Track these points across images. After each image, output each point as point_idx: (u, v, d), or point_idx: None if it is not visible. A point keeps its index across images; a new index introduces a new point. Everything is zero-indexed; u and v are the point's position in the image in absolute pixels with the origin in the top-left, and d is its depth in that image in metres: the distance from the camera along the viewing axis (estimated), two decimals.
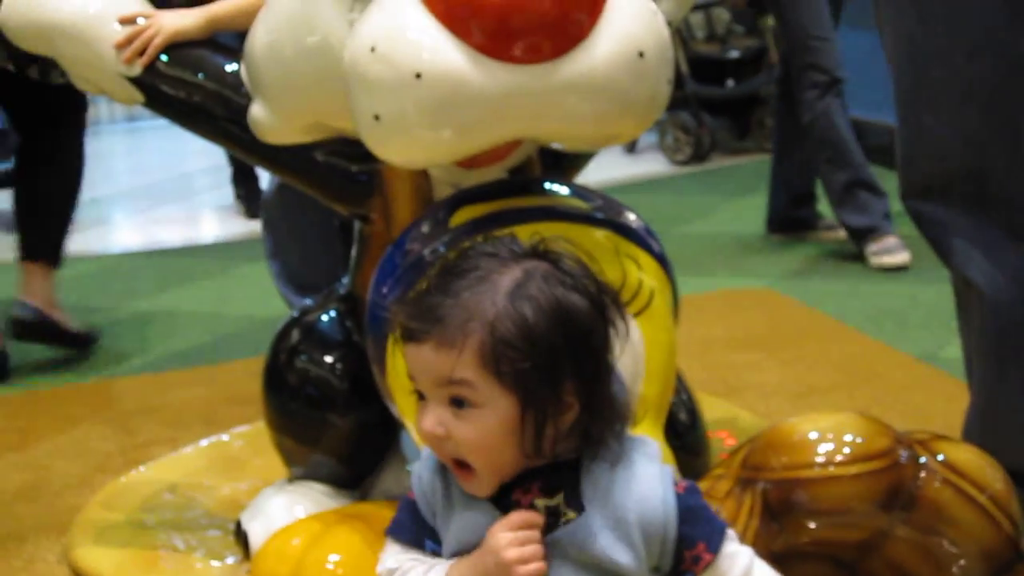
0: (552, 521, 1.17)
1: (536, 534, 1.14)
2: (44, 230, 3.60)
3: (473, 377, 1.12)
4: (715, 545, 1.18)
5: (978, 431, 2.06)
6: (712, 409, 2.62)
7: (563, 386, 1.14)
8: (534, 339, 1.12)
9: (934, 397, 2.96)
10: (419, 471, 1.23)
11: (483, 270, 1.15)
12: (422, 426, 1.15)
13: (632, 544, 1.15)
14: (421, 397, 1.16)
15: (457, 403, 1.14)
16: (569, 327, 1.14)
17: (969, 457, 1.42)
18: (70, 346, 3.65)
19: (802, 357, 3.39)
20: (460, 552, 1.19)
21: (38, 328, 3.53)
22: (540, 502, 1.17)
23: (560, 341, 1.13)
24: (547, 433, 1.15)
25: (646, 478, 1.18)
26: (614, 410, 1.18)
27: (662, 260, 1.79)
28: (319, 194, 2.08)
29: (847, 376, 3.20)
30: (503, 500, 1.18)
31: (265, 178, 5.18)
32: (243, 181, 5.48)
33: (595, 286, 1.18)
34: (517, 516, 1.15)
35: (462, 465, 1.16)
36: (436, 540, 1.21)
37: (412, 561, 1.21)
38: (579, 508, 1.17)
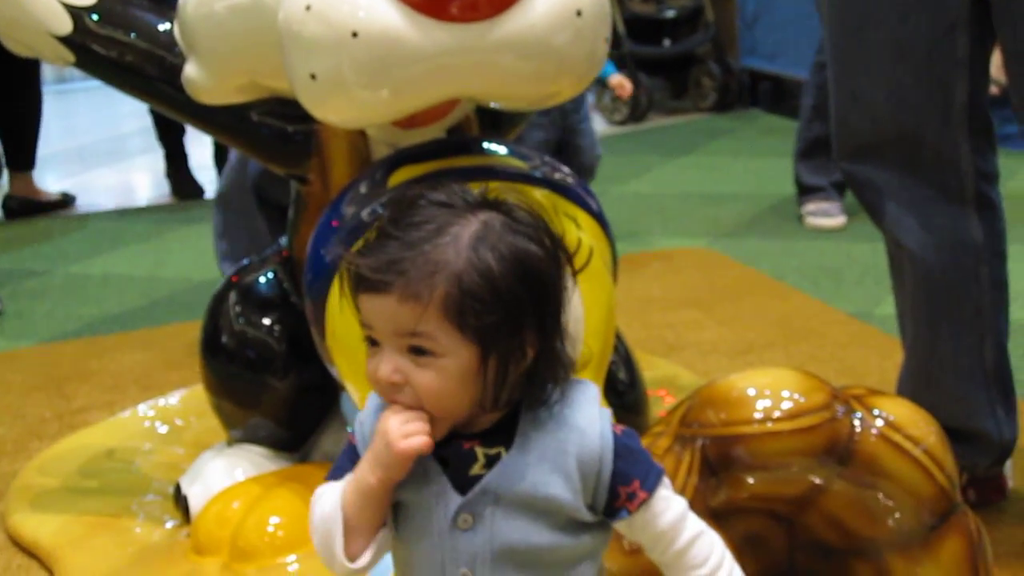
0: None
1: (423, 415, 1.15)
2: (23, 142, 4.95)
3: (436, 329, 1.12)
4: (651, 484, 1.19)
5: (911, 388, 2.09)
6: (651, 368, 2.64)
7: (523, 336, 1.15)
8: (499, 291, 1.13)
9: (869, 353, 3.00)
10: (362, 417, 1.22)
11: (439, 221, 1.14)
12: (378, 373, 1.14)
13: (567, 476, 1.16)
14: (373, 343, 1.16)
15: (417, 351, 1.14)
16: (531, 277, 1.15)
17: (904, 411, 1.43)
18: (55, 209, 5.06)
19: (740, 315, 3.42)
20: (398, 492, 1.19)
21: (27, 207, 5.04)
22: (480, 450, 1.18)
23: (523, 292, 1.14)
24: (505, 382, 1.15)
25: (584, 414, 1.18)
26: (561, 360, 1.18)
27: (600, 219, 1.80)
28: (255, 154, 2.07)
29: (784, 333, 3.23)
30: (442, 446, 1.18)
31: (197, 160, 5.25)
32: (173, 161, 5.35)
33: (549, 235, 1.18)
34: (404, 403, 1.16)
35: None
36: None
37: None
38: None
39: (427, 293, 1.12)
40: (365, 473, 1.17)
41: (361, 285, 1.15)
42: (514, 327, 1.14)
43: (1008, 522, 2.13)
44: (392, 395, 1.15)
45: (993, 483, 2.23)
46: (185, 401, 2.72)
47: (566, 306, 1.19)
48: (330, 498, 1.19)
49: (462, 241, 1.13)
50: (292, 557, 1.91)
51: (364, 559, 1.18)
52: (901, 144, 2.01)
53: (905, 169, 2.03)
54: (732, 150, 5.68)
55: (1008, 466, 2.26)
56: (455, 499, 1.17)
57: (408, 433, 1.14)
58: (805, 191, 4.30)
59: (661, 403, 2.50)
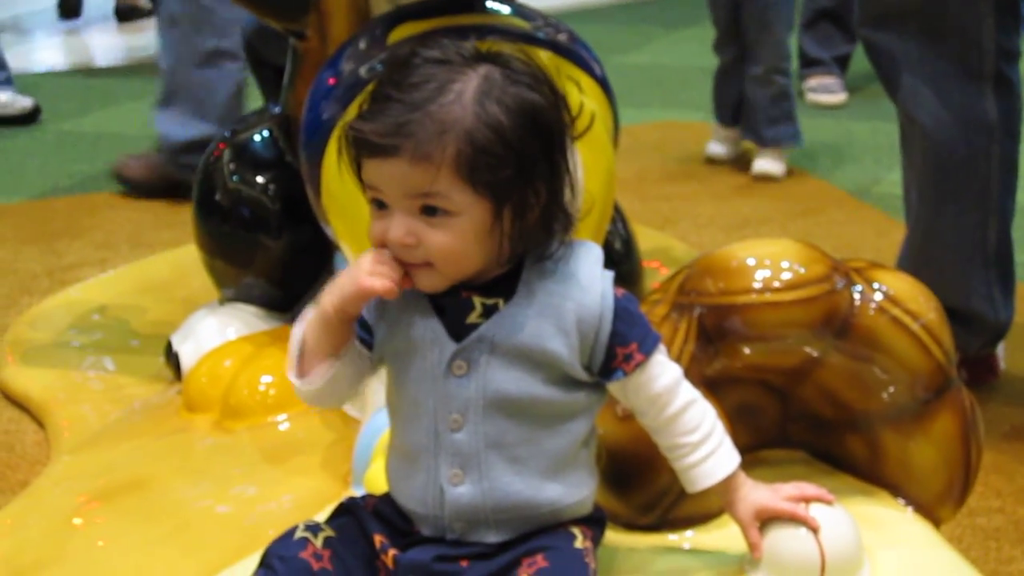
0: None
1: (396, 264, 1.15)
2: None
3: (450, 187, 1.11)
4: (648, 348, 1.19)
5: (910, 265, 2.09)
6: (647, 240, 2.63)
7: (533, 187, 1.14)
8: (511, 144, 1.12)
9: (866, 231, 2.99)
10: None
11: (439, 79, 1.12)
12: (389, 235, 1.13)
13: (565, 331, 1.16)
14: (381, 206, 1.15)
15: (429, 211, 1.13)
16: (539, 126, 1.14)
17: (904, 285, 1.41)
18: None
19: (736, 190, 3.40)
20: (387, 343, 1.21)
21: None
22: (478, 299, 1.17)
23: (533, 142, 1.13)
24: (516, 236, 1.15)
25: (587, 273, 1.18)
26: (566, 211, 1.17)
27: (603, 83, 1.77)
28: (251, 7, 2.02)
29: (781, 209, 3.21)
30: (440, 294, 1.18)
31: None
32: None
33: (549, 84, 1.16)
34: (385, 251, 1.15)
35: (419, 264, 1.15)
36: (368, 331, 1.22)
37: None
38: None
39: (439, 153, 1.10)
40: (324, 298, 1.18)
41: (366, 150, 1.13)
42: (526, 179, 1.13)
43: (1000, 401, 2.14)
44: (404, 256, 1.14)
45: (986, 363, 2.23)
46: (177, 259, 2.71)
47: (571, 154, 1.17)
48: (300, 319, 1.22)
49: (466, 97, 1.11)
50: (283, 416, 1.92)
51: (312, 380, 1.21)
52: (925, 14, 1.97)
53: (926, 40, 1.99)
54: None
55: (1001, 347, 2.26)
56: (450, 345, 1.17)
57: (377, 273, 1.14)
58: (807, 64, 4.26)
59: (656, 275, 2.49)
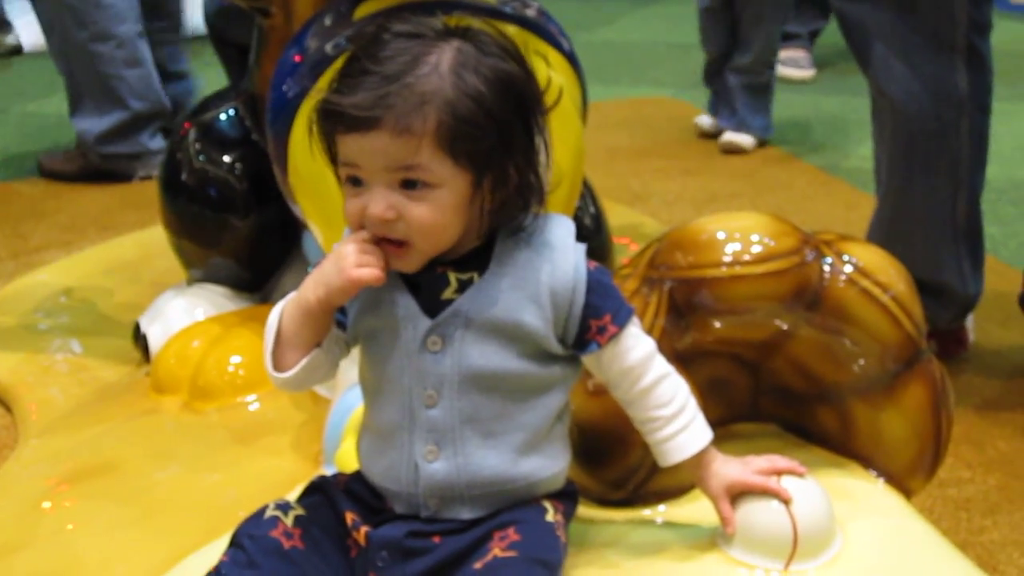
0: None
1: (379, 250, 1.14)
2: None
3: (431, 159, 1.10)
4: (621, 319, 1.19)
5: (880, 238, 2.09)
6: (617, 216, 2.63)
7: (512, 157, 1.13)
8: (492, 113, 1.11)
9: (835, 205, 2.99)
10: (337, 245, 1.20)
11: (412, 52, 1.11)
12: (370, 211, 1.12)
13: (539, 304, 1.16)
14: (357, 183, 1.13)
15: (409, 185, 1.12)
16: (516, 95, 1.13)
17: (874, 257, 1.41)
18: None
19: (705, 166, 3.40)
20: (361, 322, 1.20)
21: None
22: (453, 274, 1.17)
23: (511, 111, 1.13)
24: (494, 207, 1.14)
25: (560, 246, 1.18)
26: (540, 182, 1.17)
27: (572, 58, 1.76)
28: None
29: (750, 184, 3.22)
30: (414, 273, 1.17)
31: None
32: None
33: (519, 56, 1.15)
34: (364, 232, 1.14)
35: (394, 243, 1.14)
36: (343, 312, 1.21)
37: None
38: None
39: (420, 124, 1.09)
40: (307, 291, 1.16)
41: (342, 124, 1.12)
42: (505, 149, 1.12)
43: (969, 372, 2.15)
44: (383, 231, 1.13)
45: (955, 335, 2.24)
46: (143, 241, 2.69)
47: (544, 124, 1.17)
48: (276, 308, 1.20)
49: (443, 68, 1.11)
50: (252, 396, 1.91)
51: (291, 372, 1.19)
52: None
53: (898, 12, 1.99)
54: None
55: (970, 319, 2.27)
56: (425, 322, 1.16)
57: (363, 263, 1.13)
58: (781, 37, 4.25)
59: (626, 251, 2.49)
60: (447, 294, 1.17)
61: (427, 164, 1.10)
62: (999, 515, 1.79)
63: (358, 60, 1.13)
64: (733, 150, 3.46)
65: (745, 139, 3.47)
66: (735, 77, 3.52)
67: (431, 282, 1.17)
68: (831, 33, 2.77)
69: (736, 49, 3.54)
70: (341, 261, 1.14)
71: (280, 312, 1.19)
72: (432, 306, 1.17)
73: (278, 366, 1.19)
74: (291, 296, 1.19)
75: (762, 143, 3.55)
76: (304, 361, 1.18)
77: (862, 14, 2.03)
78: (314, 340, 1.19)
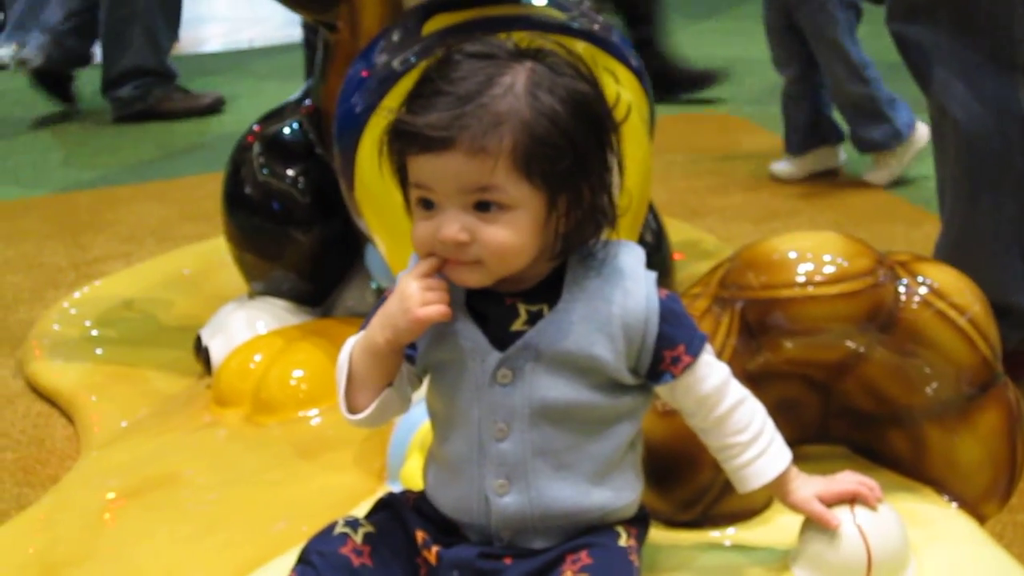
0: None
1: (444, 283, 1.13)
2: None
3: (506, 180, 1.09)
4: (695, 348, 1.17)
5: (948, 259, 2.06)
6: (675, 232, 2.61)
7: (587, 179, 1.12)
8: (568, 134, 1.10)
9: (897, 224, 2.96)
10: (403, 275, 1.19)
11: (486, 72, 1.10)
12: (443, 234, 1.10)
13: (611, 336, 1.14)
14: (428, 207, 1.12)
15: (483, 207, 1.10)
16: (591, 117, 1.12)
17: (949, 279, 1.39)
18: None
19: (764, 182, 3.38)
20: (429, 354, 1.18)
21: None
22: (522, 306, 1.15)
23: (587, 132, 1.11)
24: (567, 230, 1.13)
25: (631, 275, 1.16)
26: (614, 208, 1.16)
27: (640, 74, 1.75)
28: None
29: (810, 201, 3.19)
30: (482, 303, 1.16)
31: None
32: None
33: (591, 75, 1.14)
34: (426, 263, 1.13)
35: (465, 262, 1.13)
36: (412, 346, 1.20)
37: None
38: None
39: (495, 145, 1.08)
40: (375, 332, 1.15)
41: (416, 144, 1.10)
42: (580, 170, 1.11)
43: None
44: (456, 255, 1.11)
45: (1021, 358, 2.20)
46: (203, 253, 2.70)
47: (617, 144, 1.16)
48: (345, 348, 1.19)
49: (518, 89, 1.10)
50: (314, 411, 1.90)
51: (365, 413, 1.18)
52: (955, 5, 1.95)
53: (956, 32, 1.97)
54: (756, 15, 5.54)
55: None
56: (494, 355, 1.15)
57: (428, 301, 1.12)
58: None
59: (684, 267, 2.47)
60: (516, 326, 1.15)
61: (502, 185, 1.09)
62: None
63: (431, 81, 1.11)
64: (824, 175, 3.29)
65: (882, 175, 3.28)
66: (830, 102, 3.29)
67: (500, 314, 1.16)
68: (888, 50, 2.75)
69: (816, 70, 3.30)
70: (406, 301, 1.12)
71: (349, 353, 1.18)
72: (501, 338, 1.15)
73: (351, 408, 1.19)
74: (359, 336, 1.18)
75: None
76: (377, 401, 1.18)
77: (919, 35, 2.02)
78: (386, 380, 1.18)
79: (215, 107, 4.38)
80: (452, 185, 1.10)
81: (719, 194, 3.29)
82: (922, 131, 3.16)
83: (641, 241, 2.16)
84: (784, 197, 3.23)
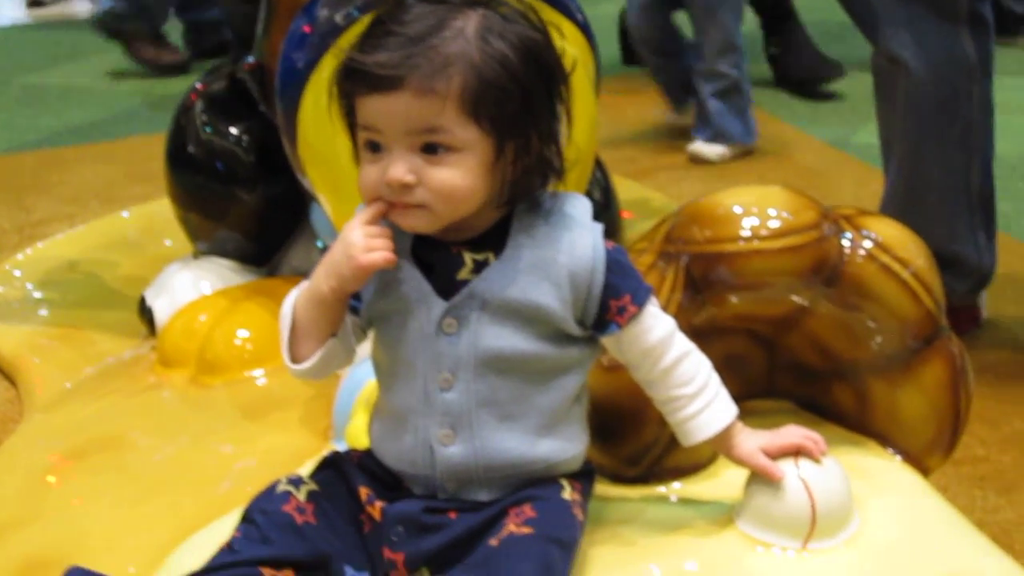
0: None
1: (388, 231, 1.12)
2: None
3: (454, 122, 1.09)
4: (641, 299, 1.17)
5: (894, 210, 2.07)
6: (624, 190, 2.61)
7: (534, 125, 1.12)
8: (517, 79, 1.10)
9: (844, 180, 2.98)
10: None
11: (437, 16, 1.10)
12: (389, 175, 1.10)
13: (558, 285, 1.14)
14: (376, 149, 1.11)
15: (430, 149, 1.09)
16: (540, 64, 1.12)
17: (893, 232, 1.39)
18: None
19: None
20: (374, 305, 1.18)
21: None
22: (468, 255, 1.15)
23: (536, 79, 1.11)
24: (514, 176, 1.12)
25: (578, 224, 1.16)
26: (561, 158, 1.15)
27: (586, 30, 1.74)
28: None
29: (759, 159, 3.19)
30: (427, 251, 1.15)
31: None
32: None
33: (542, 25, 1.14)
34: (371, 209, 1.12)
35: (411, 205, 1.12)
36: (357, 297, 1.19)
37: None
38: None
39: (444, 86, 1.08)
40: (319, 281, 1.14)
41: (365, 84, 1.09)
42: (529, 116, 1.11)
43: (983, 350, 2.13)
44: (402, 197, 1.10)
45: (968, 312, 2.22)
46: (148, 214, 2.67)
47: (566, 95, 1.16)
48: (289, 299, 1.18)
49: (468, 33, 1.09)
50: (260, 371, 1.89)
51: (308, 363, 1.17)
52: None
53: None
54: None
55: (983, 297, 2.25)
56: (439, 304, 1.14)
57: (372, 248, 1.11)
58: None
59: (633, 225, 2.47)
60: (462, 275, 1.14)
61: (450, 127, 1.08)
62: (1014, 494, 1.78)
63: (382, 23, 1.11)
64: (699, 160, 3.25)
65: (713, 150, 3.26)
66: (702, 82, 3.26)
67: (445, 263, 1.15)
68: (833, 10, 2.74)
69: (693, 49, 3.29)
70: (350, 248, 1.12)
71: (293, 303, 1.17)
72: (447, 287, 1.14)
73: (295, 357, 1.18)
74: (303, 285, 1.17)
75: (744, 152, 3.29)
76: (321, 351, 1.17)
77: None
78: (330, 330, 1.17)
79: (176, 68, 4.31)
80: (400, 126, 1.09)
81: (668, 153, 3.29)
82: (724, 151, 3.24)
83: (590, 198, 2.16)
84: (733, 155, 3.23)
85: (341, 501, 1.20)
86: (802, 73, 3.80)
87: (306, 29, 1.70)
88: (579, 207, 1.18)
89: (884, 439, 1.43)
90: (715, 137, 3.26)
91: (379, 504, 1.18)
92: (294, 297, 1.18)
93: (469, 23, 1.10)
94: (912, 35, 2.00)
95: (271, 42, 1.92)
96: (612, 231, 2.22)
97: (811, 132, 3.39)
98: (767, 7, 3.92)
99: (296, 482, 1.19)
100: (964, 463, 1.82)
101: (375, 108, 1.10)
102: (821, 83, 3.75)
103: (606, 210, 2.24)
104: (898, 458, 1.42)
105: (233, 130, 2.06)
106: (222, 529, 1.21)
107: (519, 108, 1.10)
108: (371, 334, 1.22)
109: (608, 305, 1.16)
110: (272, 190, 2.05)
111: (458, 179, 1.09)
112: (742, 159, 3.20)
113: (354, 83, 1.11)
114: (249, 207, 2.07)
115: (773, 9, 3.92)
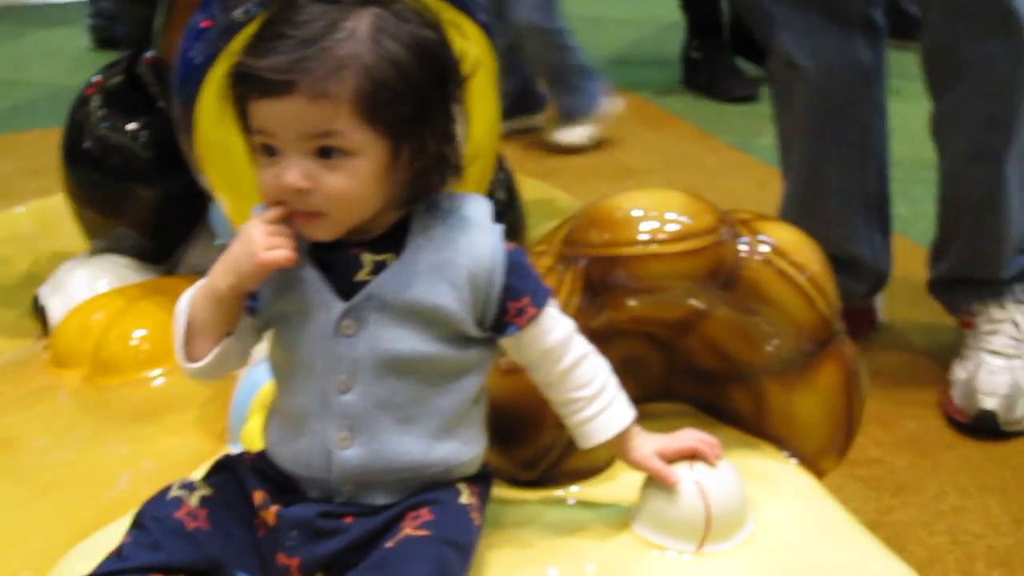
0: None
1: (289, 230, 1.11)
2: None
3: (348, 126, 1.07)
4: (540, 300, 1.17)
5: (793, 213, 2.10)
6: (529, 190, 2.61)
7: (429, 126, 1.11)
8: (410, 79, 1.09)
9: (747, 182, 3.01)
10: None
11: (328, 17, 1.08)
12: (284, 180, 1.08)
13: (457, 286, 1.13)
14: (271, 153, 1.10)
15: (325, 153, 1.08)
16: (435, 63, 1.11)
17: (789, 237, 1.40)
18: None
19: (619, 141, 3.40)
20: (272, 305, 1.16)
21: None
22: (367, 256, 1.14)
23: (430, 78, 1.10)
24: (411, 178, 1.12)
25: (477, 225, 1.16)
26: (458, 158, 1.15)
27: (488, 30, 1.73)
28: None
29: (664, 160, 3.22)
30: (326, 252, 1.14)
31: None
32: None
33: (436, 23, 1.13)
34: (273, 211, 1.11)
35: (310, 214, 1.11)
36: (254, 297, 1.17)
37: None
38: None
39: (337, 89, 1.06)
40: (217, 278, 1.13)
41: (257, 89, 1.08)
42: (424, 117, 1.10)
43: (878, 352, 2.16)
44: (298, 203, 1.09)
45: (865, 315, 2.26)
46: (44, 210, 2.62)
47: (461, 95, 1.15)
48: (185, 296, 1.16)
49: (361, 33, 1.08)
50: (157, 371, 1.86)
51: (203, 362, 1.16)
52: None
53: None
54: None
55: (879, 299, 2.29)
56: (338, 305, 1.13)
57: (273, 245, 1.10)
58: None
59: (538, 225, 2.47)
60: (361, 276, 1.14)
61: (344, 131, 1.07)
62: (907, 495, 1.81)
63: (273, 24, 1.09)
64: (571, 150, 3.28)
65: (576, 133, 3.29)
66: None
67: (344, 264, 1.14)
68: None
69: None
70: (250, 245, 1.10)
71: (189, 300, 1.16)
72: (346, 289, 1.13)
73: (190, 356, 1.16)
74: (200, 283, 1.15)
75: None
76: (216, 350, 1.15)
77: (764, 4, 2.06)
78: (226, 328, 1.15)
79: None
80: (293, 130, 1.08)
81: (574, 152, 3.29)
82: (609, 104, 3.30)
83: (494, 198, 2.16)
84: (639, 155, 3.26)
85: (235, 505, 1.18)
86: (715, 83, 3.83)
87: (204, 24, 1.67)
88: (478, 208, 1.17)
89: (780, 442, 1.44)
90: (566, 120, 3.30)
91: (274, 508, 1.17)
92: (190, 295, 1.16)
93: (361, 24, 1.08)
94: (808, 40, 2.04)
95: (169, 37, 1.88)
96: (517, 230, 2.23)
97: (716, 135, 3.42)
98: (698, 10, 3.95)
99: (188, 487, 1.18)
100: (859, 464, 1.85)
101: (268, 112, 1.08)
102: (732, 100, 3.79)
103: (510, 209, 2.24)
104: (793, 461, 1.43)
105: (130, 125, 2.03)
106: (114, 533, 1.19)
107: (413, 109, 1.09)
108: (268, 335, 1.21)
109: (507, 307, 1.16)
110: (170, 187, 2.02)
111: (354, 183, 1.09)
112: (649, 156, 3.22)
113: (246, 87, 1.09)
114: (147, 204, 2.04)
115: (705, 19, 3.96)
